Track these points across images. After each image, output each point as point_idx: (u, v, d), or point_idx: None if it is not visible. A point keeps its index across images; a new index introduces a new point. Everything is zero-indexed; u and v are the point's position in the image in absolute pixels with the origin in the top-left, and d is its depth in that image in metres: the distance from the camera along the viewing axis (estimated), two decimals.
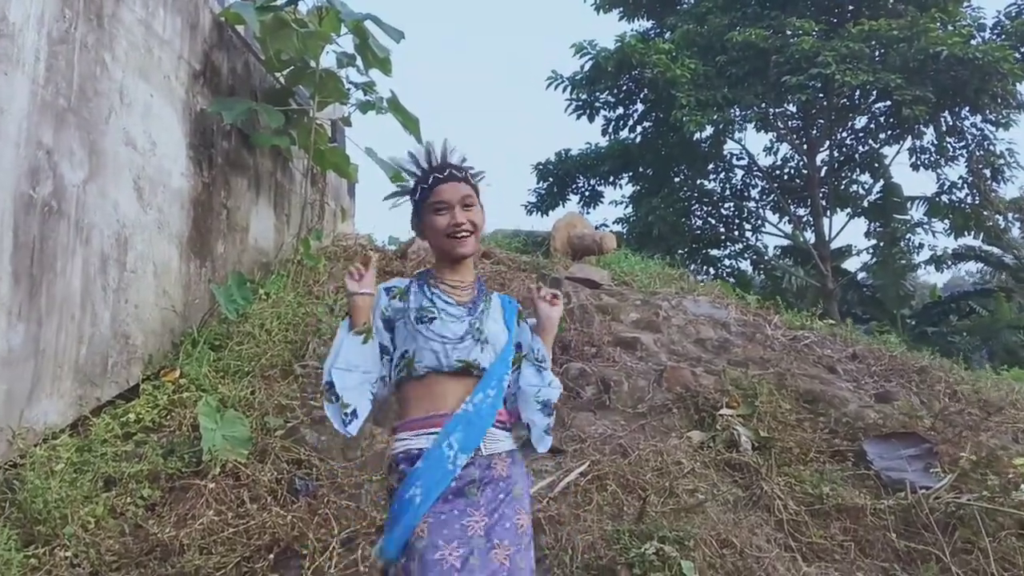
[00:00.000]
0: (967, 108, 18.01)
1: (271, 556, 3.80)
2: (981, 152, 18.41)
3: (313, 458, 4.60)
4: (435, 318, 2.48)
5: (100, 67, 5.13)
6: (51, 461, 4.37)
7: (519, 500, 2.34)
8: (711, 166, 21.09)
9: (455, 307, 2.52)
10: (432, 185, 2.57)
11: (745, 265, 22.71)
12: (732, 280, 21.27)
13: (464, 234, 2.53)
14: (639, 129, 20.36)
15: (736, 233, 21.70)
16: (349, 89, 7.20)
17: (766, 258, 22.13)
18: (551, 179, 20.98)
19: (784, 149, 20.79)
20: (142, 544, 3.96)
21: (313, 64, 6.90)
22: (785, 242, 21.97)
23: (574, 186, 21.29)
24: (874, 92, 17.51)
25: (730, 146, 20.36)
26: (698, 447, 4.78)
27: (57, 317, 4.68)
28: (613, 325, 6.54)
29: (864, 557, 3.96)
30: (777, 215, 21.57)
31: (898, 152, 19.36)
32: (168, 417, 4.94)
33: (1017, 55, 16.67)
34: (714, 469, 4.52)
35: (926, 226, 19.53)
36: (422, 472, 2.28)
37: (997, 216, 19.16)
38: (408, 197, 2.71)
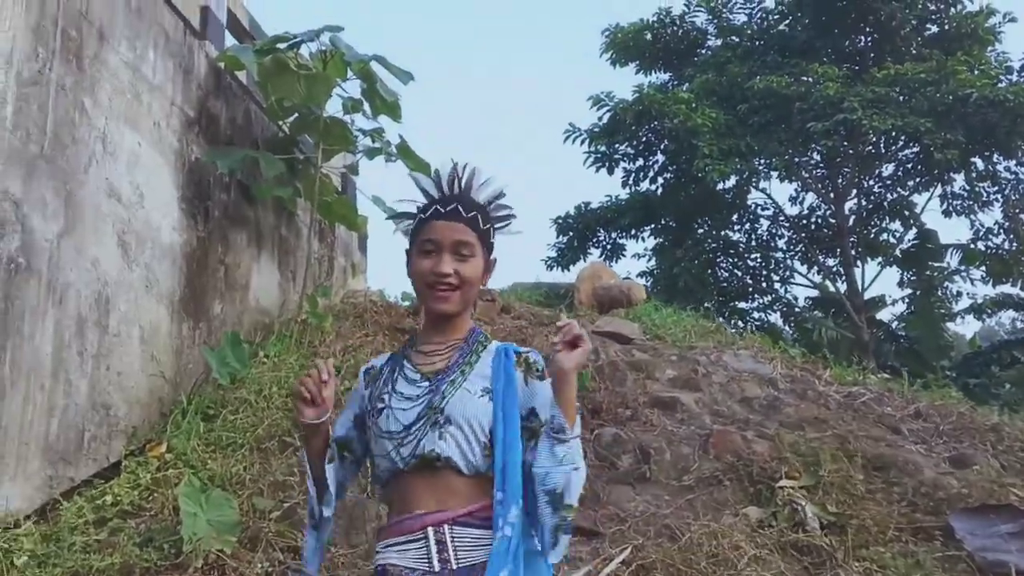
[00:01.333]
0: (999, 152, 17.50)
1: None
2: (1016, 196, 17.83)
3: None
4: (384, 407, 1.98)
5: (79, 112, 4.67)
6: (11, 554, 3.80)
7: None
8: (735, 216, 20.58)
9: (414, 385, 1.98)
10: (427, 218, 2.03)
11: (775, 318, 22.02)
12: (762, 333, 20.60)
13: (445, 288, 1.98)
14: (660, 180, 19.93)
15: (764, 285, 21.06)
16: (356, 136, 6.75)
17: (796, 310, 21.44)
18: (571, 233, 20.49)
19: (810, 198, 20.28)
20: None
21: (317, 111, 6.46)
22: (815, 293, 21.31)
23: (595, 240, 20.79)
24: (902, 137, 17.05)
25: (754, 196, 19.93)
26: (756, 526, 4.12)
27: (24, 387, 4.13)
28: (648, 384, 5.92)
29: None
30: (806, 266, 20.95)
31: (929, 199, 18.84)
32: (150, 499, 4.37)
33: None
34: (779, 554, 3.86)
35: (963, 274, 18.83)
36: None
37: None
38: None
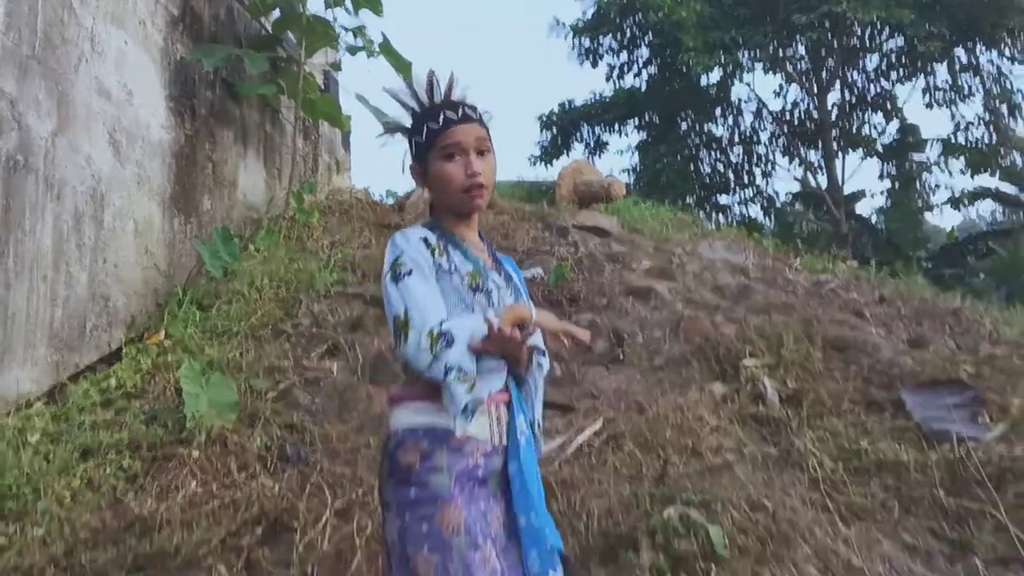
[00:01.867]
0: (982, 44, 17.46)
1: (259, 530, 3.48)
2: (998, 89, 17.88)
3: (306, 421, 4.28)
4: (491, 289, 2.08)
5: (68, 11, 4.73)
6: (24, 432, 4.06)
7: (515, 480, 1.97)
8: (719, 111, 20.62)
9: (494, 274, 2.13)
10: (444, 126, 2.10)
11: (756, 212, 22.29)
12: (743, 227, 20.87)
13: (479, 187, 2.08)
14: (644, 75, 19.90)
15: (746, 179, 21.25)
16: (339, 33, 6.78)
17: (777, 204, 21.68)
18: (555, 129, 20.51)
19: (794, 92, 20.29)
20: (120, 519, 3.64)
21: (299, 7, 6.47)
22: (796, 187, 21.53)
23: (578, 136, 20.82)
24: (886, 29, 16.97)
25: (738, 90, 20.00)
26: (721, 401, 4.43)
27: (28, 279, 4.34)
28: (624, 274, 6.16)
29: (909, 516, 3.62)
30: (788, 159, 21.11)
31: (912, 91, 18.87)
32: (151, 382, 4.62)
33: None
34: (739, 425, 4.17)
35: (941, 166, 19.03)
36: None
37: (1014, 154, 18.63)
38: (403, 135, 2.22)
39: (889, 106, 19.53)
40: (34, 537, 3.52)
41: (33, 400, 4.29)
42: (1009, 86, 17.78)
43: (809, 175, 20.43)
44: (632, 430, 4.02)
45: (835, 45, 17.84)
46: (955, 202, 19.46)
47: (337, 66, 7.67)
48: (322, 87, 7.47)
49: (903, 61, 17.97)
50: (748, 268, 6.59)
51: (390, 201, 7.98)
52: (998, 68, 17.88)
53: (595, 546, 3.31)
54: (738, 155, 21.21)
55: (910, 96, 18.73)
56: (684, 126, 20.35)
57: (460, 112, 2.10)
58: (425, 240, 2.06)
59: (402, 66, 6.55)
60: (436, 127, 2.09)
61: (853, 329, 5.42)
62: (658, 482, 3.55)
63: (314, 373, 4.69)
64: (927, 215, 21.73)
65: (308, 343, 4.95)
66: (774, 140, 20.99)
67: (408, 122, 2.19)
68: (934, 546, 3.49)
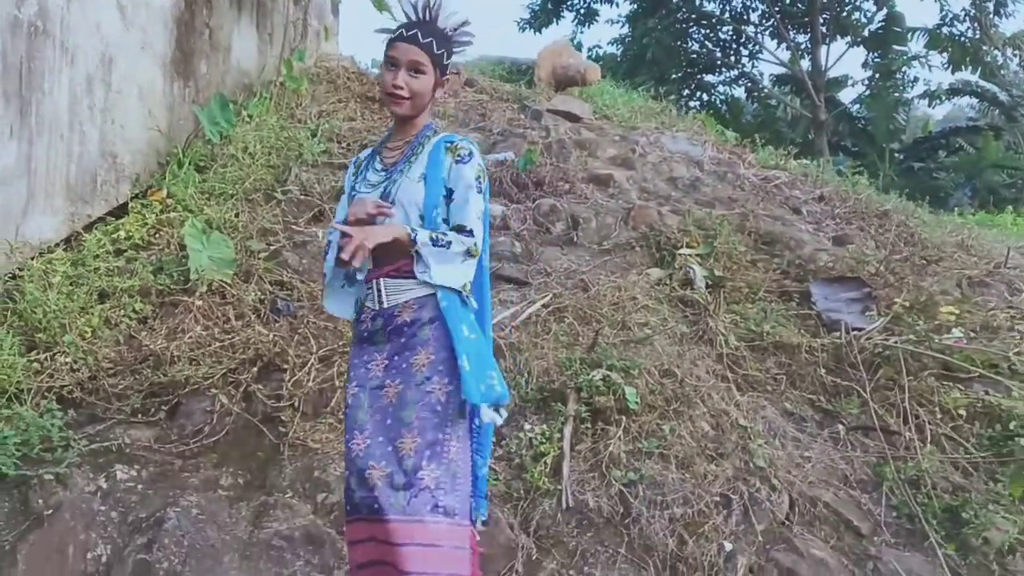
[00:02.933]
0: None
1: (254, 369, 4.17)
2: None
3: (295, 280, 4.90)
4: (354, 195, 2.71)
5: None
6: (48, 274, 4.65)
7: (423, 342, 2.53)
8: None
9: (377, 174, 2.69)
10: (392, 40, 2.64)
11: (739, 92, 22.55)
12: (725, 107, 21.19)
13: (397, 98, 2.60)
14: None
15: (732, 59, 21.38)
16: None
17: (761, 86, 21.91)
18: None
19: None
20: (135, 353, 4.32)
21: None
22: (781, 71, 21.69)
23: (570, 3, 20.70)
24: None
25: None
26: (655, 284, 5.10)
27: (47, 136, 4.84)
28: (589, 161, 6.71)
29: (794, 389, 4.37)
30: (775, 41, 21.18)
31: None
32: (156, 236, 5.19)
33: None
34: (667, 305, 4.86)
35: (923, 60, 19.26)
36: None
37: (995, 51, 18.90)
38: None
39: None
40: (63, 364, 4.20)
41: (53, 247, 4.87)
42: None
43: (795, 58, 20.57)
44: (574, 305, 4.71)
45: None
46: (931, 96, 19.80)
47: None
48: None
49: None
50: (704, 161, 7.14)
51: (375, 71, 8.36)
52: None
53: (532, 398, 4.05)
54: (727, 33, 21.27)
55: None
56: (675, 1, 20.27)
57: (410, 33, 2.62)
58: (355, 161, 2.80)
59: None
60: (391, 39, 2.66)
61: (786, 225, 6.06)
62: (589, 350, 4.25)
63: (302, 237, 5.29)
64: (918, 105, 22.10)
65: (297, 208, 5.52)
66: (764, 20, 21.00)
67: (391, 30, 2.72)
68: (809, 413, 4.26)
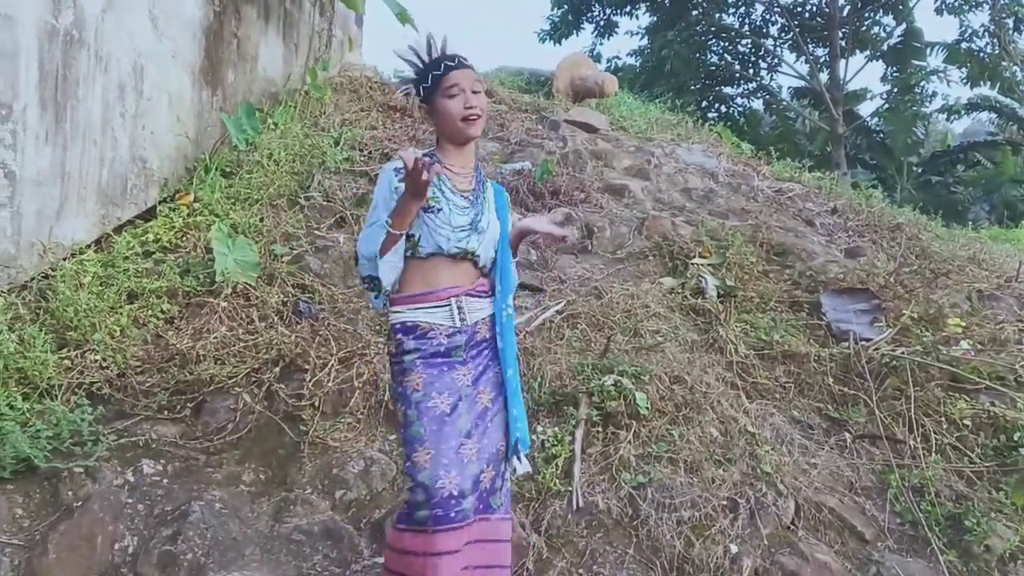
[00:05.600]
0: None
1: (277, 369, 4.31)
2: (1006, 0, 18.00)
3: (316, 284, 5.04)
4: (442, 209, 2.75)
5: None
6: (79, 275, 4.80)
7: (494, 357, 2.81)
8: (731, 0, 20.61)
9: (459, 196, 2.80)
10: (445, 71, 2.76)
11: (757, 105, 22.63)
12: (743, 119, 21.28)
13: (475, 117, 2.75)
14: None
15: (751, 72, 21.47)
16: None
17: (779, 98, 21.98)
18: (566, 6, 20.54)
19: None
20: (163, 352, 4.46)
21: None
22: (799, 84, 21.77)
23: (589, 15, 20.87)
24: None
25: None
26: (667, 293, 5.20)
27: (80, 142, 5.01)
28: (605, 171, 6.83)
29: (802, 397, 4.47)
30: (794, 55, 21.28)
31: None
32: (183, 239, 5.34)
33: None
34: (679, 313, 4.96)
35: (941, 74, 19.29)
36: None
37: (1014, 67, 18.90)
38: (414, 87, 2.87)
39: (900, 7, 19.60)
40: (93, 361, 4.35)
41: (84, 248, 5.03)
42: None
43: (814, 71, 20.64)
44: (588, 311, 4.82)
45: None
46: (949, 111, 19.81)
47: None
48: None
49: None
50: (719, 173, 7.25)
51: (395, 81, 8.53)
52: None
53: (545, 402, 4.16)
54: (746, 46, 21.38)
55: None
56: (695, 13, 20.40)
57: (456, 61, 2.81)
58: (397, 171, 2.77)
59: None
60: (439, 73, 2.77)
61: (798, 236, 6.16)
62: (601, 355, 4.37)
63: (324, 242, 5.43)
64: (938, 118, 22.09)
65: (319, 214, 5.67)
66: (783, 34, 21.10)
67: (414, 75, 2.87)
68: (816, 421, 4.35)
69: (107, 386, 4.22)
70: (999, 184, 19.06)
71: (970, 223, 12.97)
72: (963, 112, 20.32)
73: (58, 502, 3.53)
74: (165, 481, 3.74)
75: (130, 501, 3.58)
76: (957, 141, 24.60)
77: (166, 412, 4.12)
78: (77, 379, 4.21)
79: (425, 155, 2.84)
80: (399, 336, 2.77)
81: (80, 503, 3.48)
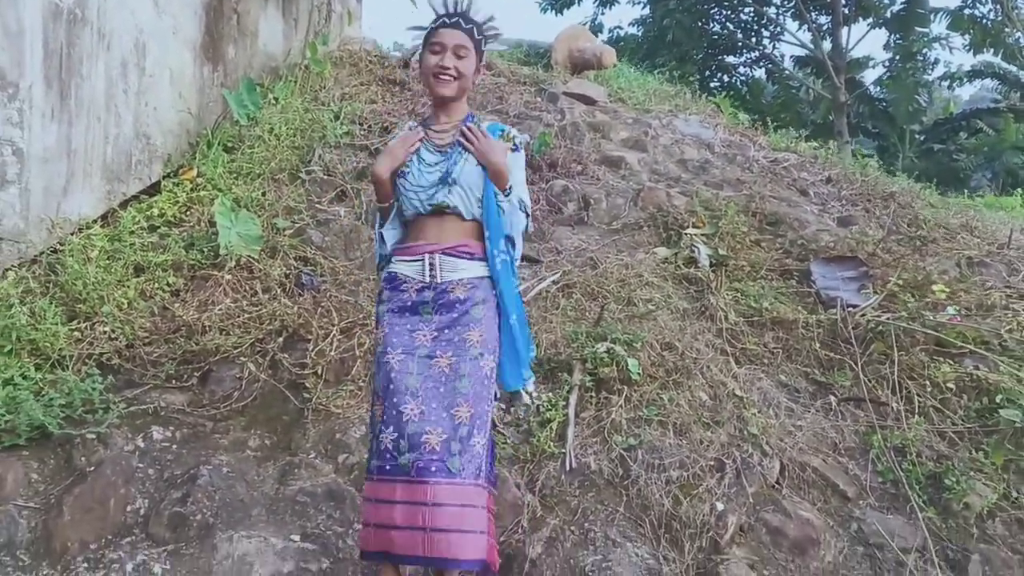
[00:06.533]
0: None
1: (280, 339, 4.45)
2: None
3: (318, 256, 5.16)
4: (409, 171, 2.87)
5: None
6: (87, 249, 4.93)
7: (476, 320, 2.80)
8: None
9: (433, 153, 2.89)
10: (435, 27, 2.86)
11: (760, 74, 22.56)
12: (745, 89, 21.23)
13: (447, 77, 2.83)
14: None
15: (753, 40, 21.38)
16: None
17: (782, 67, 21.91)
18: None
19: None
20: (169, 324, 4.60)
21: None
22: (802, 52, 21.67)
23: None
24: None
25: None
26: (661, 262, 5.32)
27: (85, 119, 5.12)
28: (602, 143, 6.92)
29: (789, 362, 4.59)
30: (797, 23, 21.16)
31: None
32: (188, 213, 5.46)
33: None
34: (672, 282, 5.08)
35: (944, 42, 19.19)
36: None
37: (1017, 33, 18.79)
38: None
39: None
40: (103, 332, 4.49)
41: (91, 223, 5.15)
42: None
43: (817, 39, 20.54)
44: (583, 281, 4.95)
45: None
46: (952, 78, 19.73)
47: None
48: None
49: None
50: (715, 144, 7.33)
51: (397, 54, 8.59)
52: None
53: (540, 370, 4.30)
54: (748, 15, 21.27)
55: None
56: None
57: (451, 20, 2.86)
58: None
59: None
60: (433, 28, 2.88)
61: (791, 206, 6.25)
62: (595, 324, 4.50)
63: (325, 215, 5.55)
64: (942, 85, 21.99)
65: (320, 188, 5.78)
66: (785, 2, 20.98)
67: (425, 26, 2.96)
68: (803, 385, 4.48)
69: (116, 356, 4.37)
70: (1001, 151, 19.05)
71: (974, 191, 13.01)
72: (965, 79, 20.23)
73: (72, 467, 3.69)
74: (174, 447, 3.90)
75: (141, 466, 3.74)
76: (962, 109, 24.53)
77: (174, 381, 4.27)
78: (87, 350, 4.36)
79: (416, 124, 3.04)
80: (382, 286, 2.93)
81: (93, 468, 3.63)
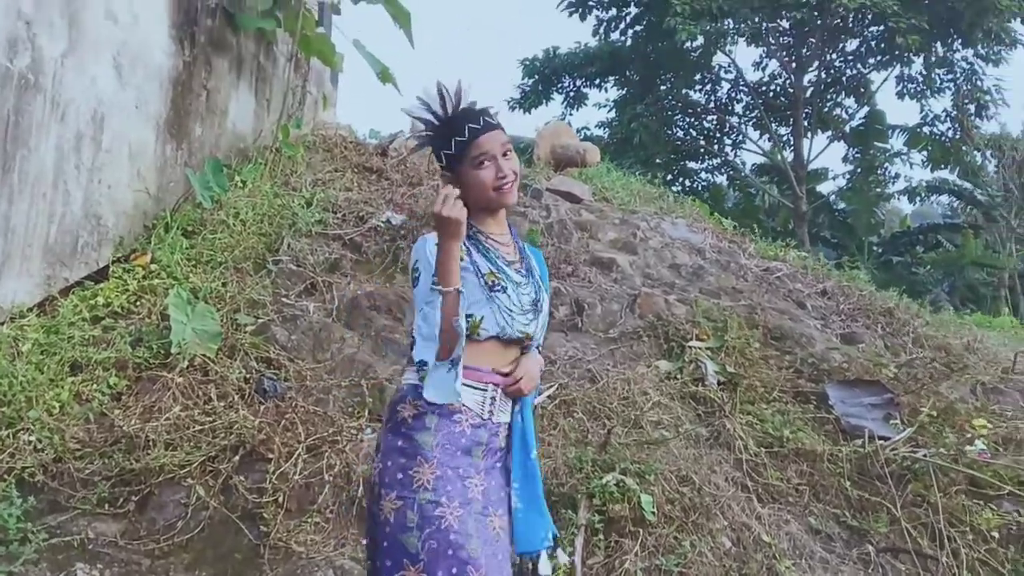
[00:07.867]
0: (959, 41, 17.89)
1: (236, 458, 3.84)
2: (968, 87, 18.36)
3: (283, 358, 4.59)
4: (506, 287, 2.33)
5: None
6: (18, 342, 4.33)
7: (508, 471, 2.34)
8: (698, 76, 20.89)
9: (513, 271, 2.37)
10: (470, 136, 2.33)
11: (721, 180, 22.81)
12: (707, 194, 21.37)
13: (508, 185, 2.33)
14: (631, 33, 20.03)
15: (716, 147, 21.66)
16: None
17: (743, 174, 22.16)
18: (537, 76, 20.64)
19: (773, 66, 20.62)
20: (107, 434, 3.97)
21: None
22: (762, 160, 21.98)
23: (559, 85, 21.00)
24: (869, 15, 17.25)
25: (719, 59, 20.10)
26: (665, 377, 4.84)
27: (29, 195, 4.56)
28: (591, 243, 6.51)
29: (817, 502, 4.09)
30: (758, 132, 21.52)
31: (886, 79, 19.31)
32: (137, 303, 4.88)
33: None
34: (679, 402, 4.59)
35: (904, 157, 19.59)
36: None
37: (975, 152, 19.25)
38: (429, 143, 2.46)
39: (862, 90, 19.98)
40: (27, 443, 3.84)
41: (26, 312, 4.54)
42: (980, 84, 18.25)
43: (776, 151, 20.86)
44: (583, 397, 4.42)
45: (819, 23, 18.07)
46: (911, 193, 20.08)
47: (336, 8, 7.78)
48: (318, 22, 7.59)
49: (882, 48, 18.29)
50: (705, 249, 6.98)
51: (373, 141, 8.19)
52: (971, 66, 18.32)
53: None
54: (712, 122, 21.60)
55: (884, 84, 19.11)
56: (663, 88, 20.59)
57: (481, 122, 2.35)
58: (432, 241, 2.28)
59: (401, 14, 6.72)
60: (463, 140, 2.32)
61: (793, 320, 5.86)
62: (601, 449, 3.96)
63: (292, 311, 4.99)
64: (894, 199, 22.41)
65: (288, 280, 5.23)
66: (747, 111, 21.36)
67: (427, 133, 2.44)
68: (835, 531, 3.97)
69: (41, 472, 3.73)
70: (961, 266, 19.25)
71: (931, 305, 12.88)
72: (925, 195, 20.61)
73: None
74: None
75: None
76: (912, 222, 24.99)
77: (107, 506, 3.63)
78: (7, 463, 3.73)
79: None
80: (419, 403, 2.23)
81: None
